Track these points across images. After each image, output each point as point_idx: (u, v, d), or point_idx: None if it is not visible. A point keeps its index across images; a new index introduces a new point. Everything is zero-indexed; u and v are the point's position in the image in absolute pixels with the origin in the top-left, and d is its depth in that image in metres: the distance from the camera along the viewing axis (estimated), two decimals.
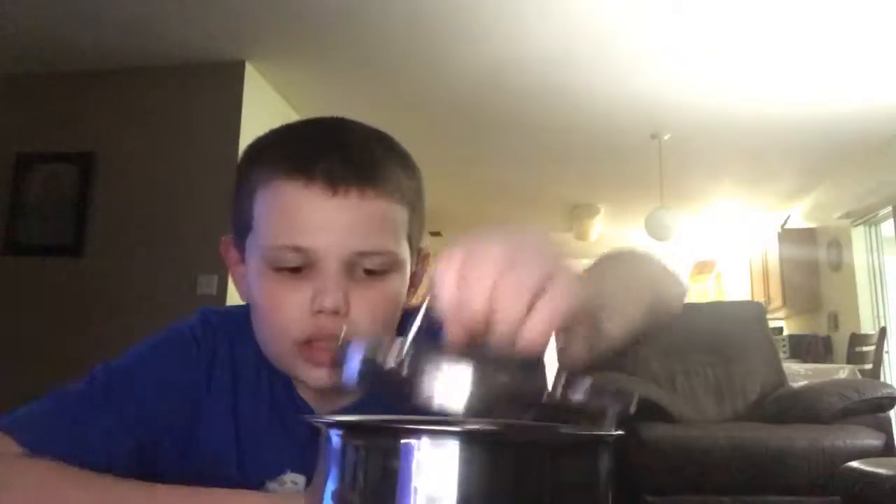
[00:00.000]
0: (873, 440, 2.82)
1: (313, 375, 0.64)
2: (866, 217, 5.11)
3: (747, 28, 3.35)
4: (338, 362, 0.43)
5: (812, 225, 6.04)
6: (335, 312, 0.62)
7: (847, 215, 5.23)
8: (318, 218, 0.62)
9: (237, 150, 3.67)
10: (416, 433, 0.34)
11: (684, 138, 4.72)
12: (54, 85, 3.87)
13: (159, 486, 0.58)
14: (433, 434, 0.33)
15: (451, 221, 7.52)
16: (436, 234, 8.00)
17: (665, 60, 3.70)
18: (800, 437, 2.78)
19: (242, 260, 0.70)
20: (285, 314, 0.63)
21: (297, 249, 0.62)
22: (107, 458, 0.62)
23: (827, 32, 3.36)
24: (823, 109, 4.24)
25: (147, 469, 0.63)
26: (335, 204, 0.62)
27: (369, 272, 0.64)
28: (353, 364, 0.42)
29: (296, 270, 0.63)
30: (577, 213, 6.58)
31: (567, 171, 5.63)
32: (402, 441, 0.33)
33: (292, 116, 4.29)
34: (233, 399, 0.69)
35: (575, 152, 5.15)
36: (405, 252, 0.67)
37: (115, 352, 0.79)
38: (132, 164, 3.71)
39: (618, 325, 0.51)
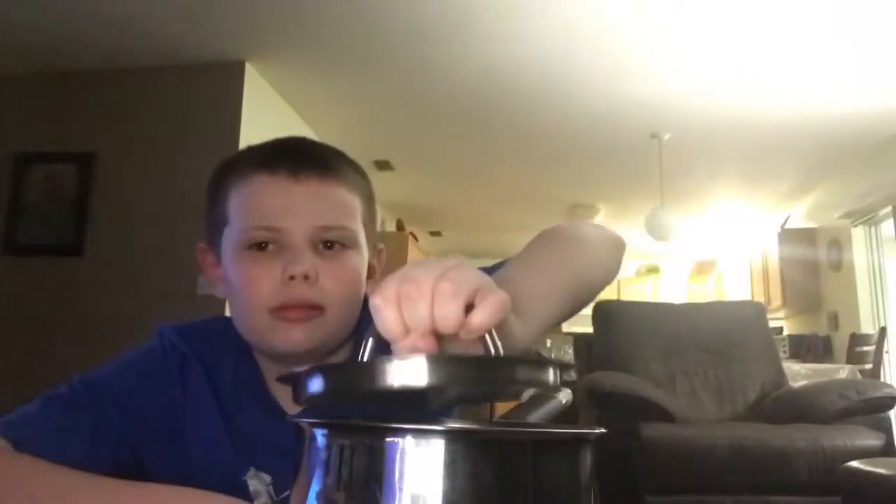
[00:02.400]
0: (873, 440, 2.82)
1: (291, 338, 0.71)
2: (866, 217, 5.11)
3: (747, 28, 3.35)
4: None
5: (812, 225, 6.03)
6: (306, 278, 0.70)
7: (847, 215, 5.23)
8: (284, 202, 0.73)
9: (237, 150, 3.67)
10: (401, 432, 0.34)
11: (684, 138, 4.72)
12: (54, 85, 3.87)
13: (128, 483, 0.63)
14: (417, 433, 0.33)
15: (450, 221, 7.52)
16: (436, 233, 7.98)
17: (665, 60, 3.70)
18: (800, 437, 2.78)
19: (218, 262, 0.78)
20: (260, 286, 0.71)
21: (269, 229, 0.72)
22: (88, 457, 0.68)
23: (827, 33, 3.36)
24: (823, 109, 4.24)
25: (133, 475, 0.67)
26: (298, 189, 0.73)
27: (330, 247, 0.74)
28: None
29: (267, 249, 0.72)
30: (577, 213, 6.57)
31: (566, 171, 5.62)
32: (387, 440, 0.34)
33: (292, 116, 4.29)
34: (214, 401, 0.75)
35: (574, 152, 5.15)
36: (361, 234, 0.77)
37: (115, 351, 0.80)
38: (132, 164, 3.72)
39: (530, 327, 0.53)
